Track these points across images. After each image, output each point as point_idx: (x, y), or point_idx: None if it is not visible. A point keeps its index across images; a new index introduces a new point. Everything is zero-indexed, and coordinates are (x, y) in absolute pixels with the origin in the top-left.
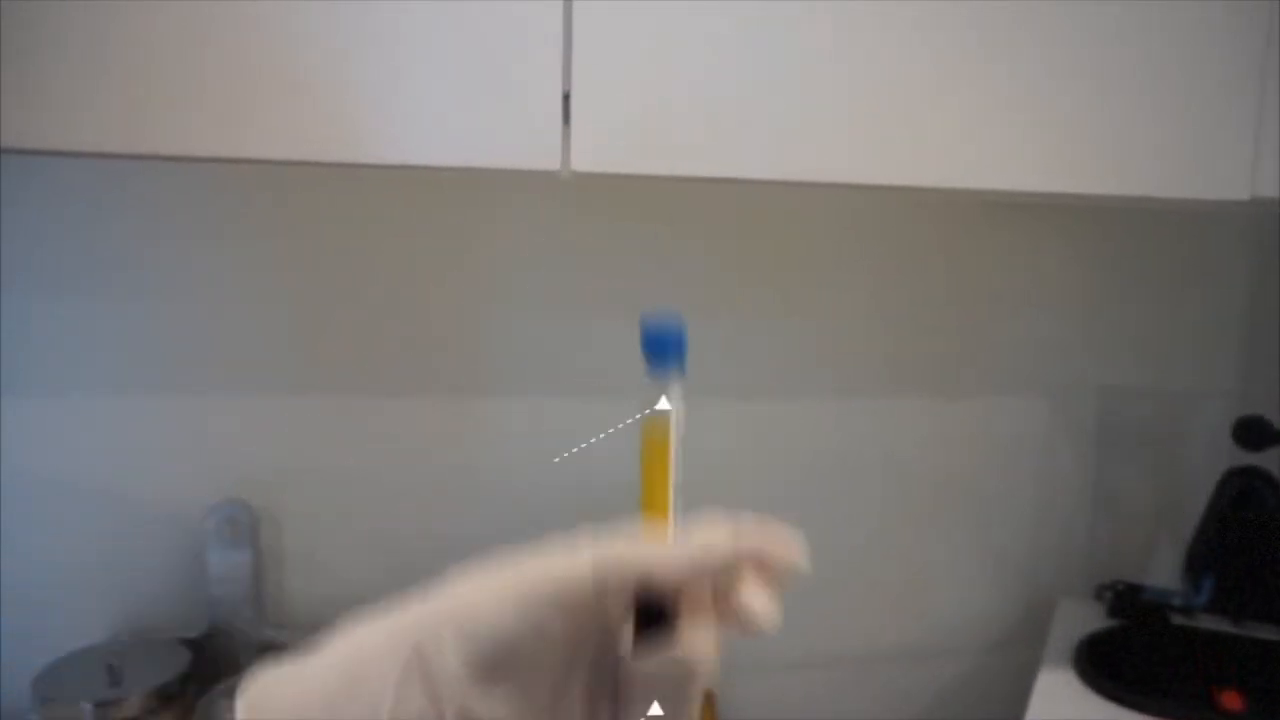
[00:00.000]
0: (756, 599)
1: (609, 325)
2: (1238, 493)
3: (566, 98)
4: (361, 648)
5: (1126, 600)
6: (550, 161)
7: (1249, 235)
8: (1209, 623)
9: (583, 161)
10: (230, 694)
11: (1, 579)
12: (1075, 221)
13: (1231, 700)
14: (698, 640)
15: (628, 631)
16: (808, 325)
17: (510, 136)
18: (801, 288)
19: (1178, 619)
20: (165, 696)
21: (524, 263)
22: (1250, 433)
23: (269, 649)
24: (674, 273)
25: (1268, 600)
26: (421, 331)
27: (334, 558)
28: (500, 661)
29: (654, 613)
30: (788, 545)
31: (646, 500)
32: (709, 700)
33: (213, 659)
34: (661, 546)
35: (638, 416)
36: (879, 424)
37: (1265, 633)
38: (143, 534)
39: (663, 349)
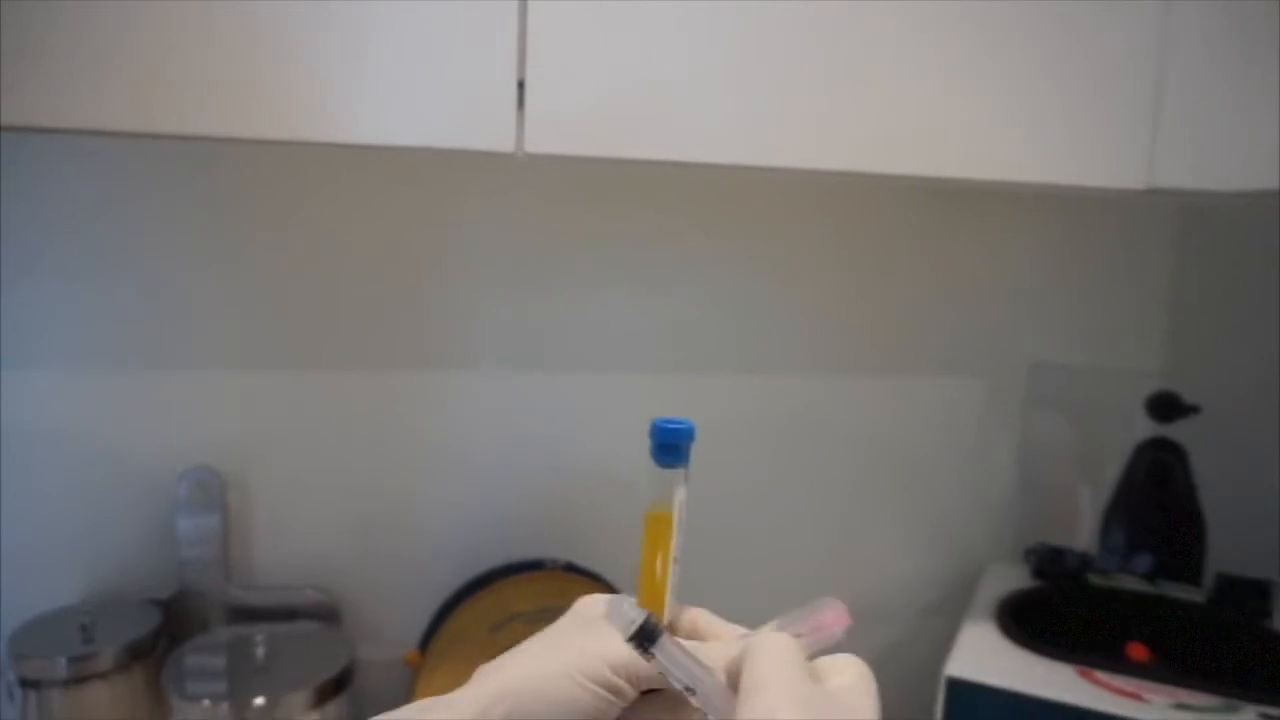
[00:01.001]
0: None
1: (574, 302)
2: (1149, 463)
3: (520, 85)
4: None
5: (1048, 562)
6: (505, 144)
7: (1177, 222)
8: (1126, 582)
9: (536, 144)
10: (199, 650)
11: None
12: (1013, 208)
13: (1139, 652)
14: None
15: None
16: (758, 304)
17: (467, 121)
18: (750, 268)
19: (1096, 579)
20: (137, 652)
21: (486, 240)
22: (1162, 407)
23: (237, 609)
24: (631, 249)
25: (1177, 561)
26: (384, 306)
27: (299, 523)
28: None
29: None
30: None
31: (645, 579)
32: None
33: (182, 618)
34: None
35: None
36: (825, 398)
37: (1175, 591)
38: (115, 500)
39: (673, 450)
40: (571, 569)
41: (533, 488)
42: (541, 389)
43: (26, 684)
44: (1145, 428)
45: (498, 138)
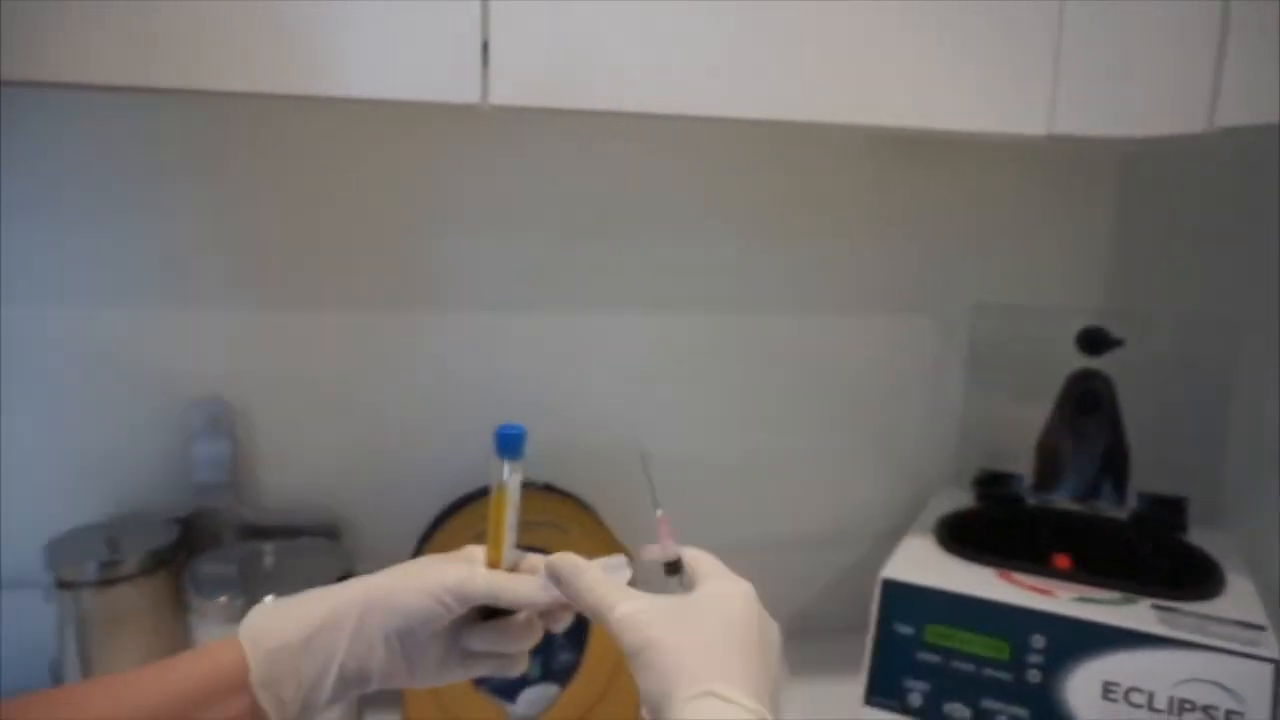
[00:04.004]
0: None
1: (556, 248)
2: (1079, 392)
3: (485, 45)
4: (333, 604)
5: (989, 485)
6: (471, 96)
7: (1118, 169)
8: (1058, 503)
9: (499, 97)
10: (214, 560)
11: (5, 467)
12: (962, 157)
13: (1063, 561)
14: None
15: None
16: (727, 248)
17: (436, 76)
18: (716, 215)
19: (1032, 500)
20: (159, 560)
21: (474, 188)
22: (1091, 340)
23: (247, 528)
24: (607, 198)
25: (1103, 482)
26: (382, 251)
27: (303, 450)
28: (406, 630)
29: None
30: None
31: (491, 536)
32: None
33: (199, 535)
34: (508, 585)
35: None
36: (786, 337)
37: (1102, 509)
38: (136, 428)
39: (509, 447)
40: (550, 489)
41: (515, 419)
42: (525, 329)
43: (63, 585)
44: (1079, 361)
45: (464, 91)
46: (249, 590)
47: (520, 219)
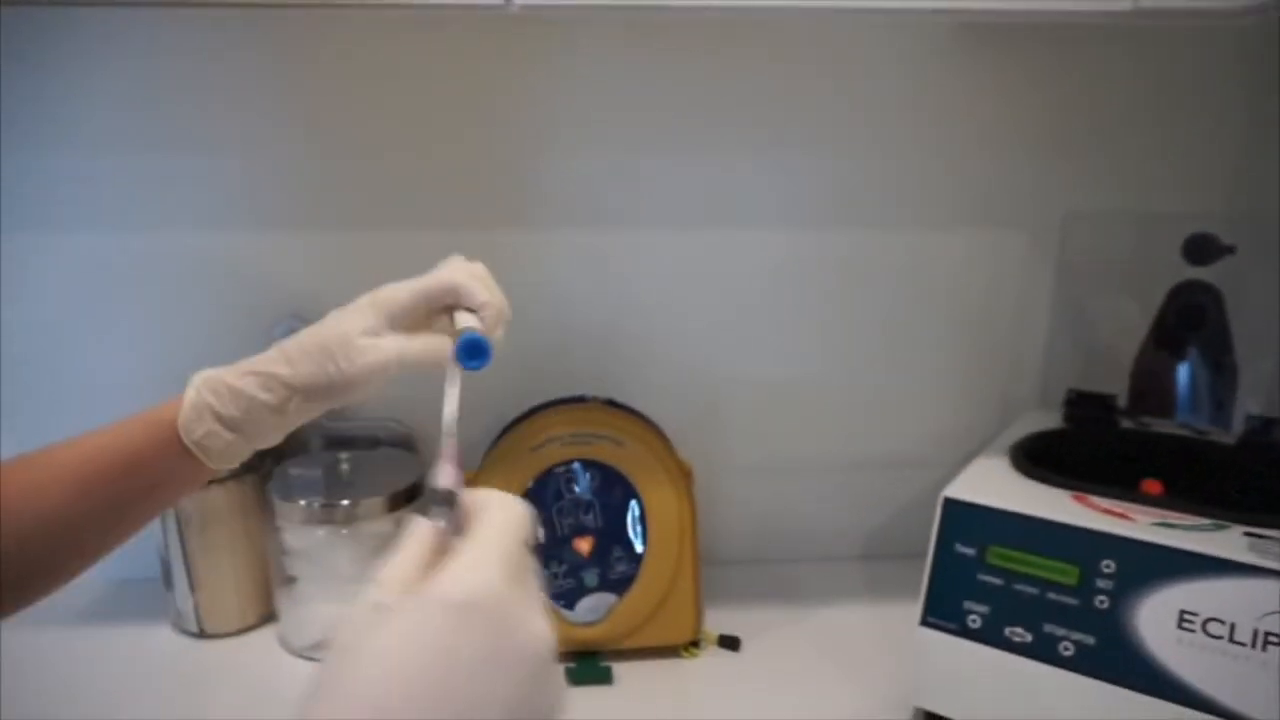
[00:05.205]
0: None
1: (624, 162)
2: (1183, 305)
3: None
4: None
5: (1079, 407)
6: None
7: (1246, 58)
8: (1162, 426)
9: None
10: (298, 466)
11: (109, 380)
12: (1057, 48)
13: (1153, 487)
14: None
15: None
16: (804, 157)
17: None
18: (790, 120)
19: (1127, 423)
20: (247, 466)
21: (543, 104)
22: (1198, 248)
23: (330, 438)
24: (677, 110)
25: (1208, 403)
26: (449, 173)
27: None
28: (398, 312)
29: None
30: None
31: None
32: (688, 481)
33: (285, 444)
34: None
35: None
36: (870, 251)
37: (1211, 435)
38: (225, 344)
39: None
40: (611, 404)
41: (581, 338)
42: (602, 245)
43: None
44: (1184, 272)
45: None
46: (329, 495)
47: (588, 136)
